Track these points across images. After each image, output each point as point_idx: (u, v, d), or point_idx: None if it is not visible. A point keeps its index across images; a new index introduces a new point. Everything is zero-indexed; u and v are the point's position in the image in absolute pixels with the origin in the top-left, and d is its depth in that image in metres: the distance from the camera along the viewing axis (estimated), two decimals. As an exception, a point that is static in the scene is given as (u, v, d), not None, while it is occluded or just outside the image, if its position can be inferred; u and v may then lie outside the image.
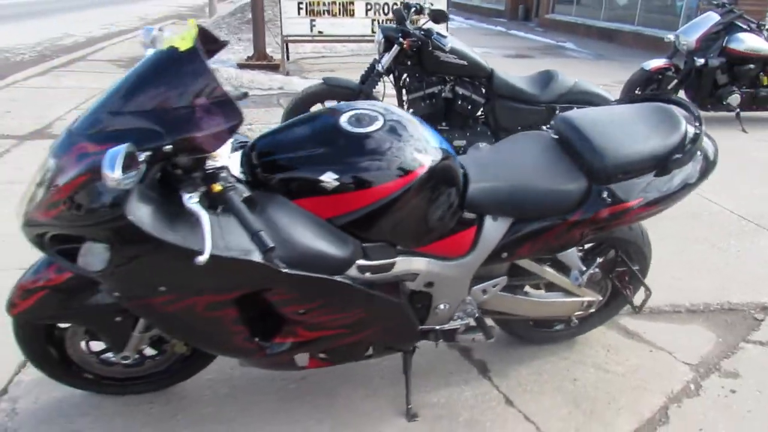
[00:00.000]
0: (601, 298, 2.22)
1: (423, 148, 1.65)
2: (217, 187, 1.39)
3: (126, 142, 1.29)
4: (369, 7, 8.10)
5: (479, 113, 4.01)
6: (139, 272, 1.49)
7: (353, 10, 8.08)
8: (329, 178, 1.56)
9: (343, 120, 1.64)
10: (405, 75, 3.91)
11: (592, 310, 2.24)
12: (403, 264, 1.74)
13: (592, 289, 2.16)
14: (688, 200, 2.10)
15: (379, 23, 8.12)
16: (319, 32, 8.08)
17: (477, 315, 2.00)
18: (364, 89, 3.84)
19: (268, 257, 1.36)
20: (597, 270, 2.08)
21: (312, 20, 8.02)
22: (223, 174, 1.42)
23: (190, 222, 1.41)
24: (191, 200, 1.37)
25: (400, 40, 3.69)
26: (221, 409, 2.03)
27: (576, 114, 2.01)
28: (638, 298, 2.28)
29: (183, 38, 1.42)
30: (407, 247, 1.74)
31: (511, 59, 10.24)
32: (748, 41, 5.77)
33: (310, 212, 1.60)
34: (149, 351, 1.99)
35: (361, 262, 1.65)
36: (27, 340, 1.84)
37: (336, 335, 1.79)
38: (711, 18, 5.79)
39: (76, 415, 1.99)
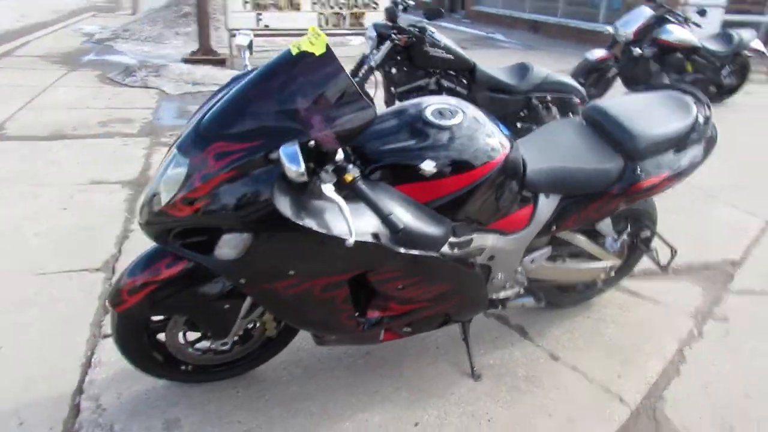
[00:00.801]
0: (620, 262, 2.54)
1: (499, 137, 1.89)
2: (349, 177, 1.55)
3: (265, 140, 1.46)
4: (315, 0, 8.18)
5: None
6: (273, 258, 1.64)
7: (299, 4, 8.15)
8: (428, 166, 1.75)
9: (428, 114, 1.84)
10: (394, 69, 4.10)
11: (613, 274, 2.56)
12: (479, 240, 1.97)
13: (615, 254, 2.48)
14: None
15: (325, 17, 8.25)
16: (266, 26, 8.08)
17: (526, 284, 2.27)
18: (357, 83, 4.01)
19: (398, 238, 1.56)
20: (626, 237, 2.40)
21: (258, 14, 8.01)
22: (350, 165, 1.58)
23: (324, 209, 1.59)
24: (330, 190, 1.53)
25: (394, 36, 3.89)
26: (303, 388, 2.19)
27: (606, 103, 2.31)
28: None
29: (313, 44, 1.58)
30: (482, 225, 1.97)
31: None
32: (676, 32, 6.37)
33: (410, 197, 1.79)
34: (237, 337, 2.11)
35: (452, 239, 1.87)
36: (128, 336, 1.93)
37: (422, 308, 2.00)
38: (644, 12, 6.35)
39: (167, 406, 2.09)
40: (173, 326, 1.98)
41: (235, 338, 2.09)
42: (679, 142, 2.23)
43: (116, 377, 2.22)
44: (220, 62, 8.18)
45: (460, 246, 1.91)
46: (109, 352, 2.22)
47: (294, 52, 1.59)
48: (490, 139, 1.85)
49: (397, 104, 2.05)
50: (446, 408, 2.11)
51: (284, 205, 1.53)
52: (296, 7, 8.14)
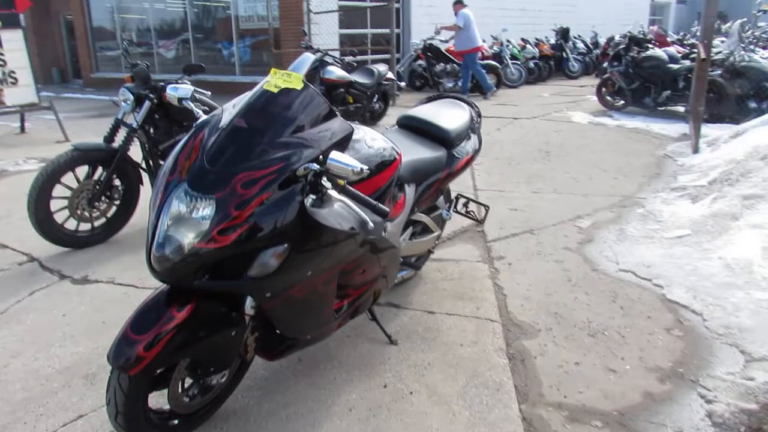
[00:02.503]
0: (441, 231, 3.35)
1: (387, 142, 2.46)
2: (341, 181, 1.94)
3: (286, 161, 1.79)
4: None
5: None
6: (303, 263, 1.89)
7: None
8: (365, 167, 2.22)
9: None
10: (152, 129, 4.15)
11: (437, 241, 3.35)
12: (389, 226, 2.51)
13: (439, 226, 3.27)
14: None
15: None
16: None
17: (401, 259, 2.88)
18: (121, 148, 3.96)
19: (384, 224, 2.02)
20: (450, 207, 3.20)
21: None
22: (338, 173, 1.95)
23: (332, 211, 1.93)
24: (335, 193, 1.89)
25: (151, 96, 3.97)
26: (276, 401, 2.36)
27: (414, 112, 3.08)
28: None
29: (290, 82, 1.91)
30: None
31: (94, 119, 10.25)
32: (336, 72, 7.73)
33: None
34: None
35: (387, 225, 2.36)
36: (133, 404, 1.86)
37: (368, 289, 2.44)
38: (308, 57, 7.48)
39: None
40: (177, 374, 1.96)
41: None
42: (469, 131, 3.14)
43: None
44: None
45: (385, 229, 2.41)
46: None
47: (274, 90, 1.90)
48: (386, 143, 2.41)
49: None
50: (394, 368, 2.57)
51: (315, 212, 1.83)
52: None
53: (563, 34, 15.25)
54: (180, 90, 2.27)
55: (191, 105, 2.20)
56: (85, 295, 3.31)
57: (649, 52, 8.79)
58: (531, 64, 14.25)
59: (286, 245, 1.82)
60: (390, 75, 8.70)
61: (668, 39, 13.25)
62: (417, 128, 3.00)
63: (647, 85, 8.78)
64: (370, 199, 1.91)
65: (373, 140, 2.32)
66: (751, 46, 8.83)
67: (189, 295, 1.90)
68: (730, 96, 7.75)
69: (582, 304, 3.13)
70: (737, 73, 7.80)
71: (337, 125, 2.02)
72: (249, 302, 2.02)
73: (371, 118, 8.62)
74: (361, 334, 2.83)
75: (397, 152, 2.39)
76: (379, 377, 2.51)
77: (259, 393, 2.42)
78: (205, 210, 1.74)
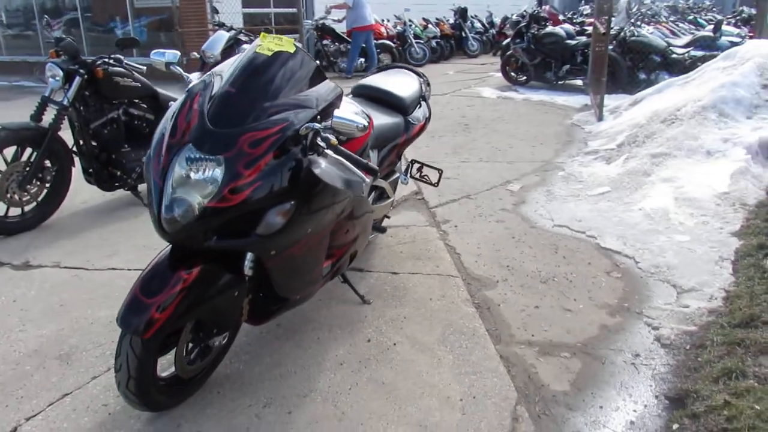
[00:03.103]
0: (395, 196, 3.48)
1: (360, 108, 2.55)
2: (334, 141, 2.02)
3: (288, 121, 1.86)
4: None
5: (153, 127, 4.43)
6: (306, 220, 1.96)
7: None
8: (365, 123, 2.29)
9: None
10: (82, 106, 3.95)
11: (393, 206, 3.48)
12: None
13: (393, 191, 3.40)
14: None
15: None
16: None
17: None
18: (51, 127, 3.75)
19: (367, 184, 2.12)
20: (407, 172, 3.34)
21: None
22: (343, 130, 1.99)
23: (329, 169, 2.01)
24: (331, 152, 1.97)
25: (82, 71, 3.78)
26: (266, 363, 2.41)
27: (369, 81, 3.17)
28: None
29: (282, 45, 1.96)
30: None
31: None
32: (251, 51, 7.58)
33: None
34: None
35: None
36: (146, 367, 1.86)
37: (348, 248, 2.53)
38: (222, 35, 7.31)
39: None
40: (183, 337, 1.97)
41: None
42: (420, 99, 3.28)
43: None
44: None
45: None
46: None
47: (268, 53, 1.94)
48: (357, 108, 2.50)
49: None
50: (373, 324, 2.69)
51: (318, 169, 1.90)
52: None
53: (462, 14, 15.72)
54: (167, 54, 2.22)
55: (179, 70, 2.17)
56: (32, 281, 3.15)
57: (548, 29, 9.34)
58: (433, 43, 14.60)
59: (292, 202, 1.88)
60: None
61: (560, 18, 14.05)
62: (373, 96, 3.10)
63: (548, 61, 9.34)
64: (360, 159, 2.00)
65: (346, 106, 2.41)
66: (638, 23, 9.62)
67: (193, 257, 1.91)
68: (622, 69, 8.41)
69: (529, 256, 3.39)
70: (628, 48, 8.49)
71: (329, 87, 2.09)
72: (248, 263, 2.05)
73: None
74: (333, 297, 2.92)
75: (368, 118, 2.49)
76: (360, 333, 2.62)
77: (246, 357, 2.46)
78: (215, 170, 1.76)
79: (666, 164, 4.52)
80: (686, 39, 9.17)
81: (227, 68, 2.02)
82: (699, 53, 8.23)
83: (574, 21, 14.02)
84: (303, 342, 2.56)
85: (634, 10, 10.38)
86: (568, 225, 3.83)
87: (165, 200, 1.79)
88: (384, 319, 2.73)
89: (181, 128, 1.86)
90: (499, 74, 10.51)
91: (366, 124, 1.87)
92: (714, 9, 19.44)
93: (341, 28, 12.16)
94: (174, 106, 1.99)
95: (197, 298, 1.88)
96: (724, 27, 9.37)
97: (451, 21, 16.02)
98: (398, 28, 13.99)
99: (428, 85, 3.47)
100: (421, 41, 14.03)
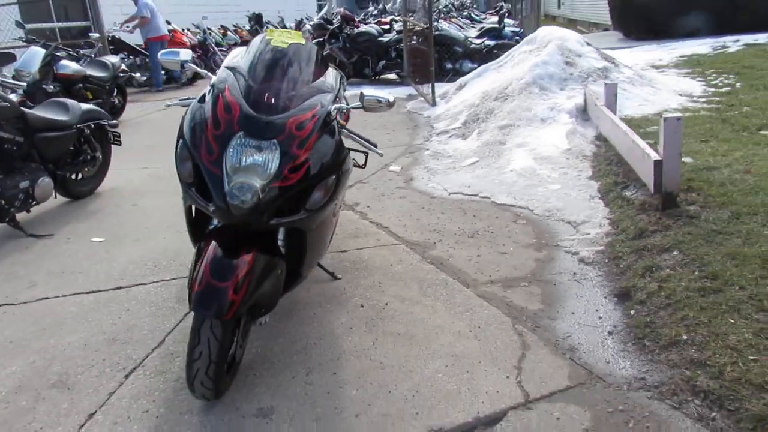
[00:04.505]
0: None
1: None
2: (342, 122, 2.28)
3: (320, 104, 2.10)
4: None
5: (23, 150, 4.03)
6: (337, 195, 2.18)
7: None
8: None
9: None
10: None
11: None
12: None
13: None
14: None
15: None
16: None
17: None
18: None
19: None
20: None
21: None
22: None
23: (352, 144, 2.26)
24: (346, 132, 2.23)
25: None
26: (291, 343, 2.54)
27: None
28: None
29: (292, 38, 2.15)
30: None
31: None
32: (70, 66, 7.00)
33: None
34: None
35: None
36: (225, 346, 1.94)
37: (336, 225, 2.75)
38: (38, 51, 6.65)
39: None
40: (244, 318, 2.06)
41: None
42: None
43: None
44: None
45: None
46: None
47: (284, 46, 2.12)
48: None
49: None
50: (356, 293, 2.95)
51: (349, 143, 2.14)
52: None
53: (257, 19, 15.89)
54: (182, 53, 2.21)
55: (197, 68, 2.20)
56: (-39, 326, 2.80)
57: (362, 28, 10.03)
58: (236, 50, 14.55)
59: (334, 176, 2.10)
60: (123, 66, 8.20)
61: (356, 19, 14.94)
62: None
63: (365, 58, 10.02)
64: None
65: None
66: (439, 19, 10.76)
67: (243, 242, 2.02)
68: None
69: (446, 220, 3.88)
70: (435, 41, 9.48)
71: (333, 72, 2.32)
72: (281, 243, 2.20)
73: (111, 113, 8.01)
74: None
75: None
76: (350, 302, 2.86)
77: (260, 343, 2.56)
78: (273, 153, 1.91)
79: (514, 133, 5.35)
80: (476, 31, 10.52)
81: (243, 62, 2.14)
82: (491, 42, 9.54)
83: (366, 21, 15.04)
84: (303, 320, 2.73)
85: (442, 7, 11.57)
86: (461, 191, 4.40)
87: (226, 187, 1.89)
88: (362, 288, 2.99)
89: (223, 120, 1.96)
90: (315, 75, 10.94)
91: (393, 99, 2.15)
92: (474, 5, 22.13)
93: (135, 40, 11.51)
94: (194, 105, 2.06)
95: (258, 278, 2.00)
96: (506, 19, 10.93)
97: (248, 27, 16.09)
98: (198, 36, 13.68)
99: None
100: (224, 49, 13.90)
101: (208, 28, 13.88)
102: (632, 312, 2.60)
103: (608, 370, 2.26)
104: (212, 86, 2.08)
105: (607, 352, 2.38)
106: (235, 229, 2.06)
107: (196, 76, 12.02)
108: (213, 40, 13.64)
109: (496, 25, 10.14)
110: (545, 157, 4.79)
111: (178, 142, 2.08)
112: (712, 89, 6.54)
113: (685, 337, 2.29)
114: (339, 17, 10.47)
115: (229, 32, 14.85)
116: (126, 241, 3.81)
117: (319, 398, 2.19)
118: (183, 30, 13.29)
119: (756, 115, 5.15)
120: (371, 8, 17.57)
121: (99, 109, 4.74)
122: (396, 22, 10.78)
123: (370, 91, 2.14)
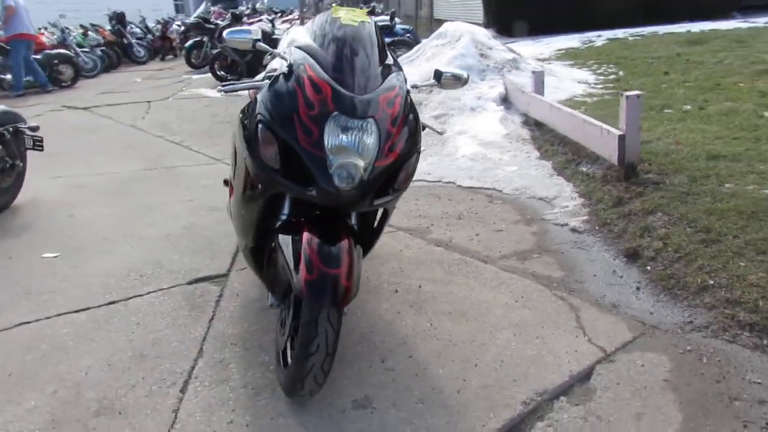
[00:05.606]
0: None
1: None
2: None
3: (399, 82, 2.10)
4: None
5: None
6: (412, 174, 2.15)
7: None
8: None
9: None
10: None
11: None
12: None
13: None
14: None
15: None
16: None
17: None
18: None
19: None
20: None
21: None
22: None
23: None
24: None
25: None
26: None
27: None
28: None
29: (357, 16, 2.10)
30: None
31: None
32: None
33: None
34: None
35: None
36: (339, 334, 1.88)
37: None
38: None
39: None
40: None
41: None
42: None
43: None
44: None
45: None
46: None
47: (354, 24, 2.06)
48: None
49: None
50: (381, 279, 2.93)
51: (425, 121, 2.14)
52: None
53: (119, 19, 14.76)
54: (253, 32, 2.01)
55: (266, 46, 2.03)
56: (-55, 365, 2.36)
57: (254, 26, 9.74)
58: (98, 51, 13.41)
59: (416, 154, 2.08)
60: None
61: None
62: None
63: (260, 56, 9.75)
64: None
65: None
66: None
67: (335, 228, 1.95)
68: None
69: (426, 205, 3.95)
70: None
71: (390, 51, 2.28)
72: (355, 225, 2.16)
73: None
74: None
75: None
76: (382, 289, 2.83)
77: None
78: (371, 131, 1.86)
79: (450, 122, 5.55)
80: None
81: (315, 42, 2.04)
82: (388, 39, 9.75)
83: (260, 19, 14.63)
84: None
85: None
86: (423, 179, 4.49)
87: (331, 167, 1.80)
88: (386, 274, 2.97)
89: (316, 100, 1.86)
90: (198, 77, 10.52)
91: (466, 75, 2.18)
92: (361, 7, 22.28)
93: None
94: (269, 87, 1.95)
95: (357, 263, 1.93)
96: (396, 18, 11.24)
97: (109, 27, 14.90)
98: (56, 37, 12.45)
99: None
100: (87, 50, 12.79)
101: (66, 28, 12.68)
102: (648, 268, 2.85)
103: (657, 320, 2.47)
104: (289, 66, 1.95)
105: (646, 304, 2.59)
106: (327, 214, 1.98)
107: (76, 79, 10.97)
108: (75, 40, 12.49)
109: (388, 23, 10.36)
110: (489, 142, 5.02)
111: (256, 126, 1.92)
112: (602, 77, 7.25)
113: (711, 282, 2.57)
114: (230, 15, 10.08)
115: (90, 32, 13.62)
116: (86, 254, 3.42)
117: (410, 382, 2.16)
118: (39, 29, 11.99)
119: (653, 97, 5.79)
120: (243, 7, 17.08)
121: (13, 110, 4.17)
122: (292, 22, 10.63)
123: (447, 68, 2.15)
